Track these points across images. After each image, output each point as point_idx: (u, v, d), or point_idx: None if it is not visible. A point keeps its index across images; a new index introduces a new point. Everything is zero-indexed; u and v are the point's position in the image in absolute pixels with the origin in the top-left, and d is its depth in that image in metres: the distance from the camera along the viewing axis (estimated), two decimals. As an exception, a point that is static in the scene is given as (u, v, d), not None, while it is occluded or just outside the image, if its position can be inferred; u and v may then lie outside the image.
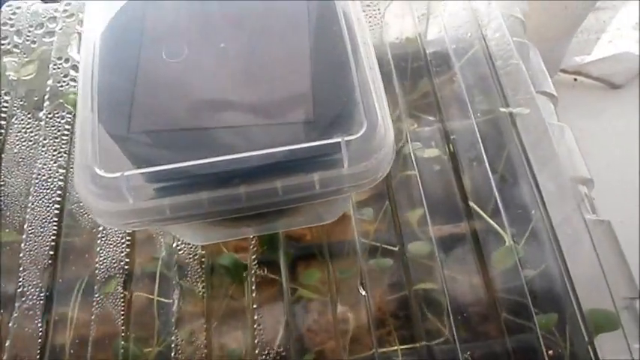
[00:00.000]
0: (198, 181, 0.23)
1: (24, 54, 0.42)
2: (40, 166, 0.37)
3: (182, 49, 0.26)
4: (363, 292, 0.34)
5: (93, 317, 0.32)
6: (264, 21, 0.28)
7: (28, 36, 0.43)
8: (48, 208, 0.35)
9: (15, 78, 0.41)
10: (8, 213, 0.36)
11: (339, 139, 0.23)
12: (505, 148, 0.41)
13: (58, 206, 0.36)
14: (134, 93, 0.25)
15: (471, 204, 0.38)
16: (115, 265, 0.34)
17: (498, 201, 0.38)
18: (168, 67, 0.26)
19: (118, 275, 0.34)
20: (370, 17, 0.49)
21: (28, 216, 0.35)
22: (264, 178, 0.24)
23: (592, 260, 0.35)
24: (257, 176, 0.23)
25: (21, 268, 0.34)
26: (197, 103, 0.25)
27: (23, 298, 0.33)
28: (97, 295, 0.33)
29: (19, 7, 0.44)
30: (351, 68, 0.26)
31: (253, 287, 0.34)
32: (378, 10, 0.50)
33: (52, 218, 0.35)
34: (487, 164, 0.39)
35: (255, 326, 0.33)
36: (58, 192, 0.36)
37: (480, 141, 0.40)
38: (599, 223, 0.37)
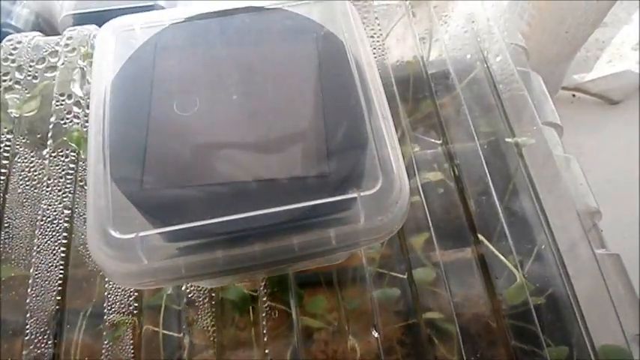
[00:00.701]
0: (215, 241, 0.23)
1: (25, 90, 0.42)
2: (44, 207, 0.36)
3: (193, 101, 0.26)
4: (376, 335, 0.34)
5: (102, 365, 0.32)
6: (275, 70, 0.27)
7: (29, 71, 0.42)
8: (54, 251, 0.35)
9: (17, 115, 0.41)
10: (14, 255, 0.36)
11: (355, 195, 0.23)
12: (511, 176, 0.41)
13: (64, 249, 0.35)
14: (146, 148, 0.25)
15: (480, 236, 0.38)
16: (124, 308, 0.34)
17: (505, 229, 0.38)
18: (180, 121, 0.25)
19: (127, 320, 0.33)
20: (373, 42, 0.49)
21: (34, 259, 0.35)
22: (279, 236, 0.23)
23: (602, 294, 0.35)
24: (273, 234, 0.23)
25: (28, 315, 0.33)
26: (210, 157, 0.25)
27: (31, 346, 0.32)
28: (106, 342, 0.33)
29: (19, 42, 0.43)
30: (365, 119, 0.25)
31: (264, 331, 0.34)
32: (381, 34, 0.50)
33: (58, 261, 0.35)
34: (493, 191, 0.39)
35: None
36: (64, 234, 0.36)
37: (485, 168, 0.40)
38: (608, 256, 0.37)
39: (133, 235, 0.22)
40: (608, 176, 0.75)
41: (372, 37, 0.48)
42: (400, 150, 0.25)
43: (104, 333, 0.33)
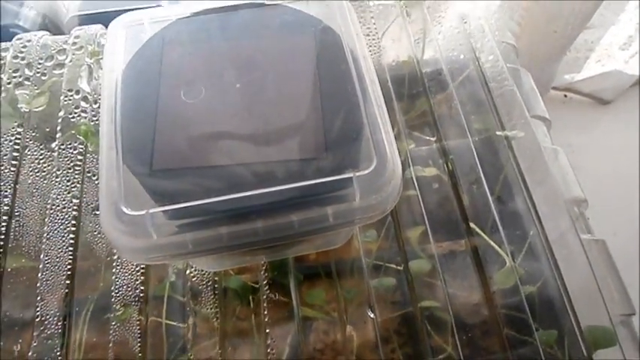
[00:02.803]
0: (218, 217, 0.25)
1: (35, 86, 0.43)
2: (54, 196, 0.38)
3: (199, 89, 0.27)
4: (372, 315, 0.35)
5: (110, 345, 0.33)
6: (275, 60, 0.29)
7: (38, 68, 0.44)
8: (63, 238, 0.36)
9: (27, 110, 0.42)
10: (24, 243, 0.37)
11: (351, 175, 0.25)
12: (502, 169, 0.43)
13: (72, 236, 0.37)
14: (155, 133, 0.26)
15: (472, 225, 0.39)
16: (131, 292, 0.35)
17: (497, 220, 0.39)
18: (186, 107, 0.27)
19: (133, 303, 0.35)
20: (369, 42, 0.51)
21: (43, 246, 0.36)
22: (280, 213, 0.25)
23: (588, 278, 0.36)
24: (273, 212, 0.25)
25: (38, 298, 0.34)
26: (214, 141, 0.26)
27: (41, 327, 0.34)
28: (113, 323, 0.34)
29: (29, 40, 0.45)
30: (360, 105, 0.27)
31: (265, 312, 0.35)
32: (377, 34, 0.52)
33: (67, 247, 0.36)
34: (485, 184, 0.41)
35: (268, 350, 0.34)
36: (73, 222, 0.37)
37: (477, 161, 0.41)
38: (594, 242, 0.38)
39: (143, 212, 0.24)
40: (600, 175, 0.76)
41: (368, 35, 0.50)
42: (393, 135, 0.27)
43: (111, 315, 0.34)
